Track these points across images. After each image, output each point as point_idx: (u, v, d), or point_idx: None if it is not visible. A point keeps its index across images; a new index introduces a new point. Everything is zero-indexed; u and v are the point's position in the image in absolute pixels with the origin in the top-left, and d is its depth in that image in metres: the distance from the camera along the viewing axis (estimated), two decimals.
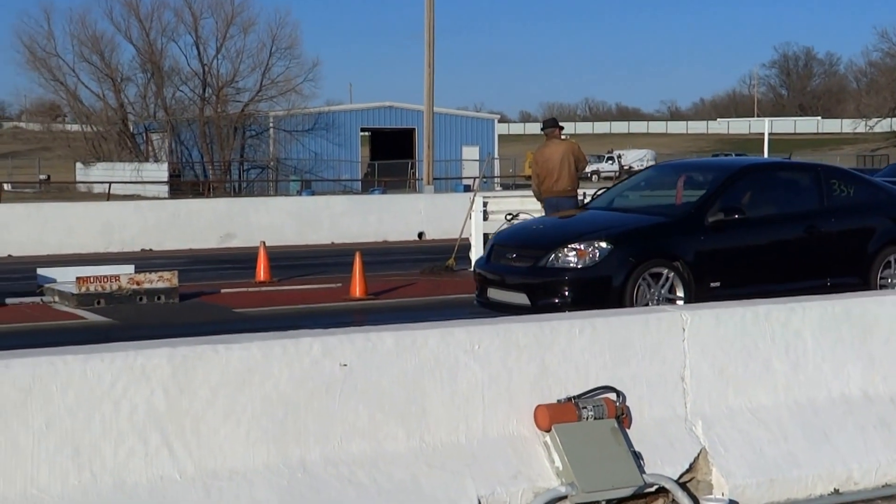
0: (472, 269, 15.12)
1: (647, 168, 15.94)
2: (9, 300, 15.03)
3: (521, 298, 11.60)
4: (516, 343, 5.85)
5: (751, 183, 12.77)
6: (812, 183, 12.84)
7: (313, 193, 47.33)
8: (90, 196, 53.55)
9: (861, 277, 12.42)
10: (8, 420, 4.81)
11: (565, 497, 5.68)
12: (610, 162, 79.58)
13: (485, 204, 18.90)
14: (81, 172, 65.80)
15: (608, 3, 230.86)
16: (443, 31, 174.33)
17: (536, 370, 5.87)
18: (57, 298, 15.03)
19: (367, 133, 71.52)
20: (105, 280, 14.67)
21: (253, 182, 63.35)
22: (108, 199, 38.15)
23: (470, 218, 18.91)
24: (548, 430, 5.77)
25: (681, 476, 6.03)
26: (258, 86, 66.79)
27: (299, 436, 5.32)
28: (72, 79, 69.11)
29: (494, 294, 12.03)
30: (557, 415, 5.76)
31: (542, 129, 16.35)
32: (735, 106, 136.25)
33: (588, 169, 57.32)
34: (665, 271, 11.43)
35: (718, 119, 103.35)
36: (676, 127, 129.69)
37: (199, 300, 15.40)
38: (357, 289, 15.44)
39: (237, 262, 21.53)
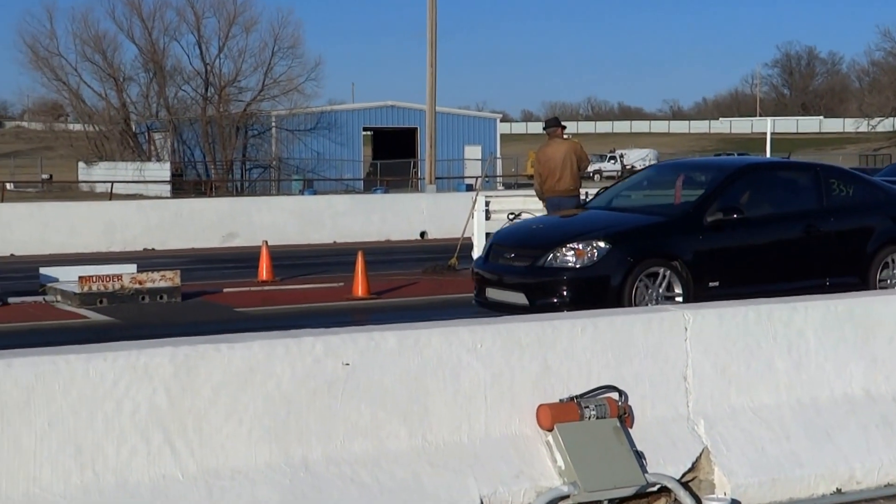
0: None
1: (645, 167, 15.94)
2: (11, 299, 15.04)
3: (520, 298, 11.58)
4: (519, 342, 5.85)
5: (749, 183, 12.76)
6: (811, 182, 12.82)
7: (315, 193, 47.38)
8: (92, 195, 53.55)
9: (860, 277, 12.41)
10: (10, 419, 4.82)
11: (567, 496, 5.68)
12: (612, 161, 79.61)
13: (487, 203, 18.90)
14: (84, 172, 65.87)
15: (611, 2, 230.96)
16: (445, 30, 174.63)
17: (539, 369, 5.87)
18: (59, 298, 15.05)
19: (369, 132, 71.58)
20: (107, 279, 14.68)
21: (255, 181, 63.39)
22: (110, 199, 38.18)
23: (472, 217, 18.91)
24: (550, 430, 5.77)
25: (683, 475, 6.03)
26: (260, 85, 66.91)
27: (301, 435, 5.32)
28: (74, 78, 69.30)
29: (493, 294, 12.01)
30: (560, 414, 5.76)
31: (544, 129, 16.35)
32: (737, 105, 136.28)
33: (590, 168, 57.21)
34: (663, 271, 11.41)
35: (721, 118, 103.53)
36: (679, 126, 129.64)
37: (201, 299, 15.41)
38: (359, 288, 15.45)
39: (239, 261, 21.53)
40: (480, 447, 5.67)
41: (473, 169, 64.14)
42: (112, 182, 49.19)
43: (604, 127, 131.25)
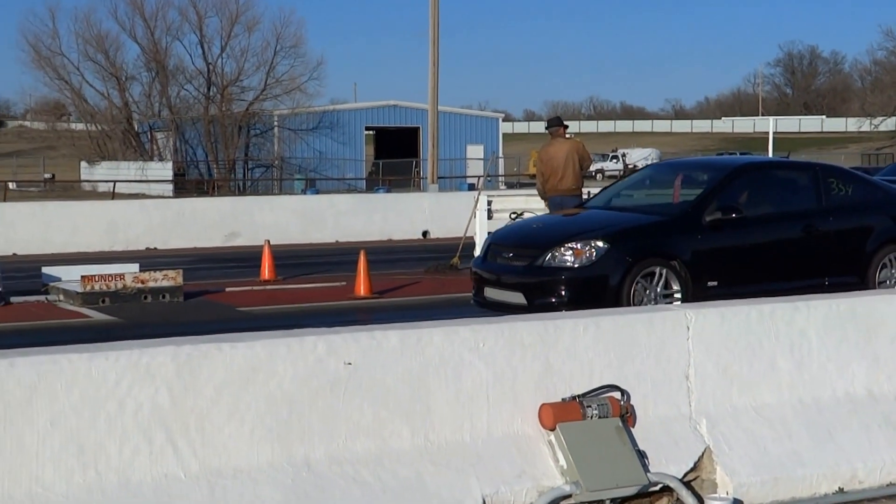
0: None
1: (645, 167, 15.94)
2: (14, 299, 15.05)
3: (518, 298, 11.56)
4: (521, 342, 5.85)
5: (748, 182, 12.73)
6: (810, 182, 12.79)
7: (318, 192, 47.33)
8: (95, 195, 53.52)
9: (859, 277, 12.38)
10: (13, 418, 4.82)
11: (569, 496, 5.68)
12: (614, 161, 79.51)
13: (489, 203, 18.91)
14: (86, 171, 65.89)
15: (613, 1, 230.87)
16: (447, 29, 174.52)
17: (541, 369, 5.87)
18: (62, 297, 15.06)
19: (371, 132, 71.55)
20: (110, 279, 14.69)
21: (257, 181, 63.40)
22: (112, 198, 38.16)
23: (474, 217, 18.92)
24: (552, 429, 5.77)
25: (685, 475, 6.03)
26: (263, 84, 66.88)
27: (304, 434, 5.32)
28: (76, 78, 69.29)
29: (491, 293, 11.99)
30: (562, 413, 5.76)
31: (546, 128, 16.35)
32: (740, 105, 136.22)
33: (592, 168, 57.18)
34: (662, 270, 11.39)
35: (723, 118, 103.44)
36: (681, 126, 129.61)
37: (203, 299, 15.41)
38: (362, 287, 15.45)
39: (242, 260, 21.54)
40: (483, 446, 5.68)
41: (476, 168, 64.14)
42: (114, 181, 49.15)
43: (606, 126, 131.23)
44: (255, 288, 16.72)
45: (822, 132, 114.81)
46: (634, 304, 11.05)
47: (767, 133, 48.39)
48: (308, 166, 63.86)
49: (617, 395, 5.94)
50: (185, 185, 59.00)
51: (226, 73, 67.87)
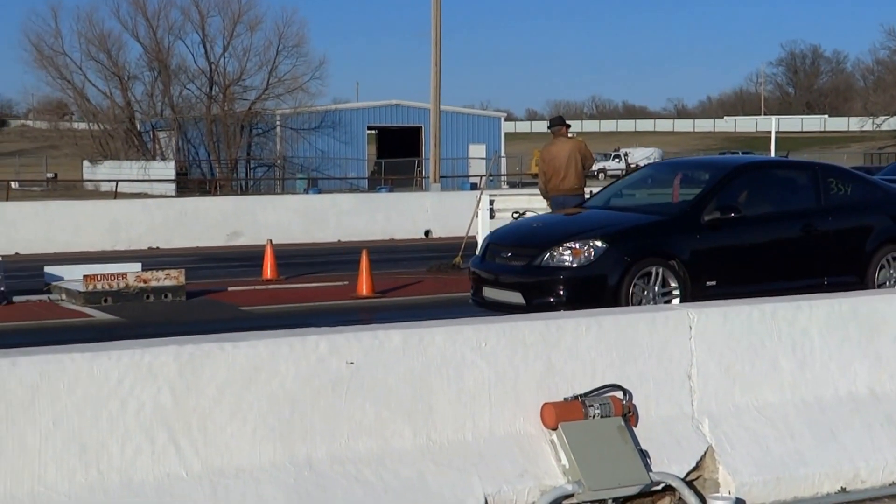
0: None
1: (644, 166, 15.93)
2: (16, 298, 15.05)
3: (516, 297, 11.54)
4: (523, 341, 5.85)
5: (747, 181, 12.71)
6: (809, 181, 12.77)
7: (320, 192, 47.31)
8: (97, 194, 53.58)
9: (858, 276, 12.37)
10: (15, 418, 4.82)
11: (572, 495, 5.68)
12: (616, 160, 79.48)
13: (491, 202, 18.90)
14: (88, 171, 65.93)
15: (615, 0, 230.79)
16: (449, 29, 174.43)
17: (543, 368, 5.87)
18: (64, 296, 15.06)
19: (373, 131, 71.56)
20: (112, 278, 14.69)
21: (260, 180, 63.41)
22: (115, 198, 38.19)
23: (477, 216, 18.91)
24: (554, 429, 5.77)
25: (687, 474, 6.03)
26: (265, 84, 66.86)
27: (306, 434, 5.32)
28: (79, 77, 69.28)
29: (489, 293, 11.98)
30: (564, 413, 5.76)
31: (548, 127, 16.34)
32: (742, 104, 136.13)
33: (594, 167, 57.15)
34: (661, 270, 11.38)
35: (725, 117, 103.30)
36: (683, 125, 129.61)
37: (205, 298, 15.42)
38: (364, 287, 15.45)
39: (244, 260, 21.55)
40: (485, 446, 5.67)
41: (478, 168, 64.12)
42: (117, 181, 49.15)
43: (608, 126, 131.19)
44: (257, 287, 16.73)
45: (824, 131, 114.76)
46: (633, 304, 11.04)
47: (770, 132, 48.41)
48: (310, 166, 63.86)
49: (619, 394, 5.94)
50: (187, 184, 59.01)
51: (228, 72, 67.93)
